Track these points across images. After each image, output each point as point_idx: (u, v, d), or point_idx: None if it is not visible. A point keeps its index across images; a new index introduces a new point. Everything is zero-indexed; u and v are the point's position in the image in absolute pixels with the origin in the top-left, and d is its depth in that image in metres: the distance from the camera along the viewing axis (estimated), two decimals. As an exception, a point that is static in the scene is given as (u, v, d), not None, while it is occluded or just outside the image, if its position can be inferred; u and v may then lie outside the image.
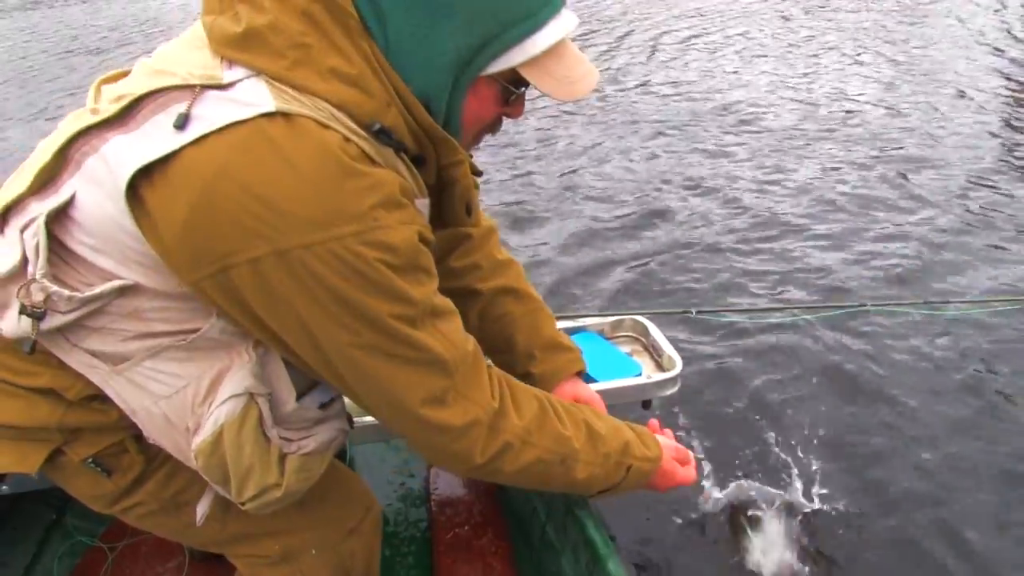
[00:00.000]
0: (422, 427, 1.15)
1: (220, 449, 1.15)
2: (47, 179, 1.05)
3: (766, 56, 8.87)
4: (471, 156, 1.30)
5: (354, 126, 1.01)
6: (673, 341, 2.03)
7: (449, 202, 1.25)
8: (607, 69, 8.59)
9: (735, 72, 8.27)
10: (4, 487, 1.72)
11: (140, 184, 0.98)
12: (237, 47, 1.01)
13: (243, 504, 1.22)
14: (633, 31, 10.62)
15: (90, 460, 1.22)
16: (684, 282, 4.21)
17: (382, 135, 1.03)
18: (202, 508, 1.30)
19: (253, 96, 0.98)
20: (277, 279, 0.98)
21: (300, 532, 1.44)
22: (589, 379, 1.86)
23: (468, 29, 1.03)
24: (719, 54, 9.09)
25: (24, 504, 2.01)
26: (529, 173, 5.76)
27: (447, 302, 1.17)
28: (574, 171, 5.80)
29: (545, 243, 4.67)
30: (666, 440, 1.52)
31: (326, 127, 0.98)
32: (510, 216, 5.02)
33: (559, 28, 1.09)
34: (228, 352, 1.14)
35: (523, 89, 1.15)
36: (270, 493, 1.22)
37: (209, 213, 0.95)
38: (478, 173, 1.35)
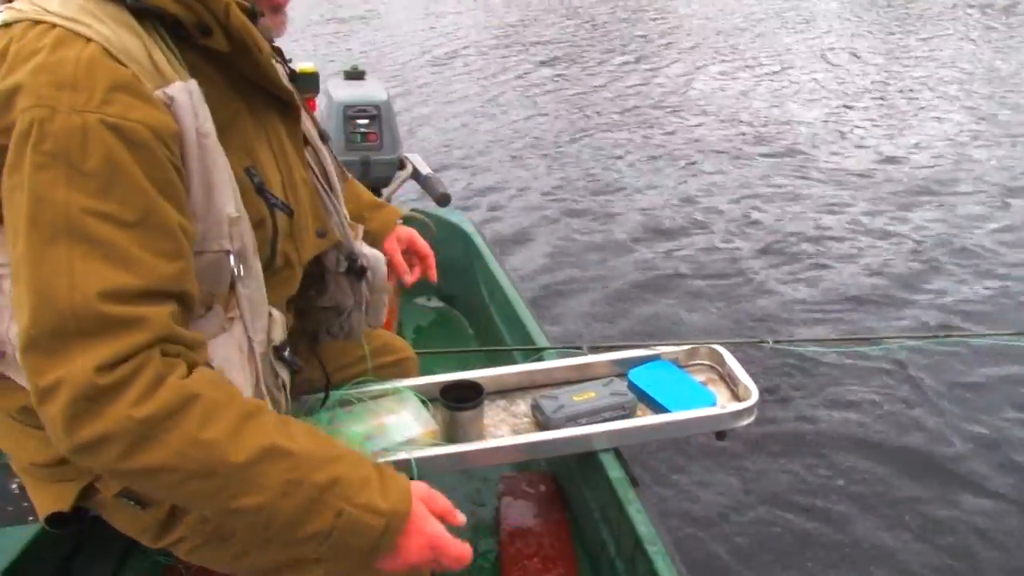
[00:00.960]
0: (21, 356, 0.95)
1: None
2: None
3: (830, 95, 8.74)
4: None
5: (102, 4, 0.99)
6: (749, 371, 1.99)
7: (249, 58, 1.13)
8: (673, 93, 8.56)
9: (806, 109, 8.15)
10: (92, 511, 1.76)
11: None
12: None
13: None
14: (701, 64, 10.56)
15: (122, 494, 1.20)
16: (759, 310, 4.14)
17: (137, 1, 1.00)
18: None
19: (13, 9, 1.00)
20: None
21: None
22: (662, 409, 1.83)
23: None
24: (787, 90, 9.01)
25: (103, 523, 2.05)
26: (588, 208, 5.74)
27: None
28: (636, 197, 5.77)
29: (614, 272, 4.63)
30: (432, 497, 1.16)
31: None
32: (581, 246, 5.00)
33: None
34: None
35: None
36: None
37: None
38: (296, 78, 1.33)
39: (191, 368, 1.00)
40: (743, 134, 7.32)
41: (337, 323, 1.54)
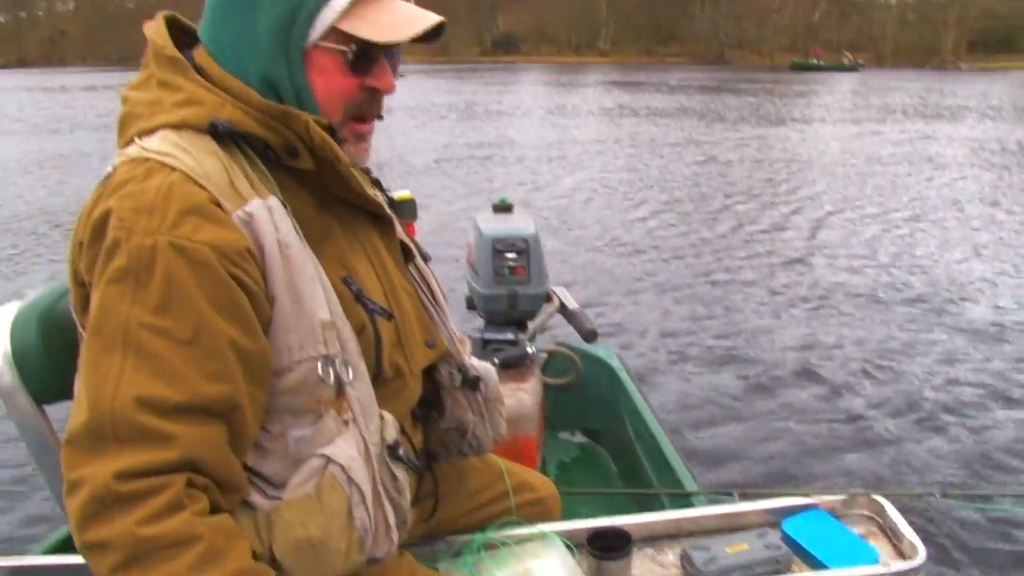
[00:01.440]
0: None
1: None
2: None
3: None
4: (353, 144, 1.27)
5: (192, 136, 1.11)
6: (913, 525, 1.85)
7: (332, 172, 1.20)
8: (802, 237, 8.37)
9: (939, 256, 7.87)
10: None
11: None
12: (119, 134, 1.17)
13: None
14: (831, 209, 10.37)
15: None
16: (916, 460, 3.89)
17: (220, 126, 1.10)
18: None
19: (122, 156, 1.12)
20: None
21: None
22: (819, 565, 1.72)
23: (274, 5, 1.13)
24: (920, 237, 8.70)
25: None
26: (730, 347, 5.63)
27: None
28: (781, 338, 5.62)
29: (759, 413, 4.48)
30: None
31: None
32: (724, 385, 4.88)
33: None
34: None
35: (355, 48, 1.17)
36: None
37: None
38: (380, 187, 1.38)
39: (213, 508, 1.02)
40: (877, 280, 7.13)
41: (465, 442, 1.54)
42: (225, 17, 1.17)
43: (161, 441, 0.97)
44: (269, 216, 1.10)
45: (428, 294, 1.44)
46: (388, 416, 1.24)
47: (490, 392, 1.54)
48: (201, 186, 1.06)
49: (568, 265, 7.45)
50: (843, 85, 41.45)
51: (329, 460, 1.12)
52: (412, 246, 1.45)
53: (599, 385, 3.16)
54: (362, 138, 1.27)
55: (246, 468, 1.11)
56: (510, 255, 2.68)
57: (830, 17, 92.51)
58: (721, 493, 2.26)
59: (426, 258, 1.49)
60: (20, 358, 1.29)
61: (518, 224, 2.78)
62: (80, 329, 1.13)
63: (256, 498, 1.12)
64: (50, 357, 1.29)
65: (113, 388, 0.97)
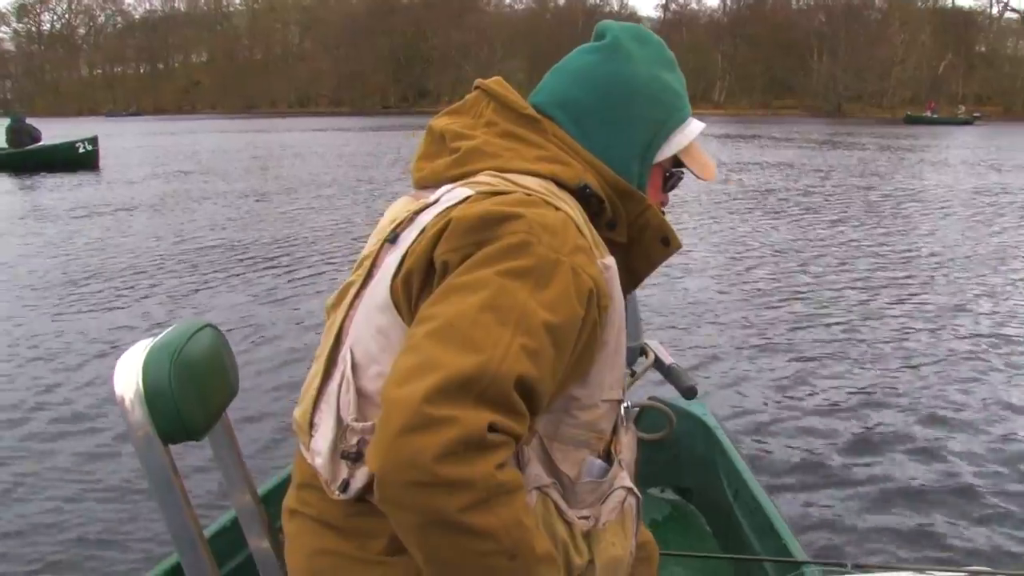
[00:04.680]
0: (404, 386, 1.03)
1: None
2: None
3: None
4: None
5: (558, 190, 1.25)
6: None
7: (641, 249, 1.36)
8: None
9: None
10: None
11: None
12: (456, 165, 1.31)
13: None
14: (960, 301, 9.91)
15: None
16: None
17: (587, 190, 1.27)
18: None
19: (484, 182, 1.24)
20: None
21: None
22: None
23: (648, 115, 1.36)
24: None
25: None
26: (833, 406, 5.41)
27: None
28: (893, 400, 5.38)
29: (867, 478, 4.28)
30: None
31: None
32: (827, 447, 4.68)
33: (697, 125, 1.42)
34: None
35: (676, 171, 1.44)
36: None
37: None
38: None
39: None
40: (1005, 340, 6.76)
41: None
42: (599, 105, 1.35)
43: (519, 416, 1.07)
44: (616, 271, 1.23)
45: None
46: None
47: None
48: (582, 233, 1.20)
49: (667, 319, 7.33)
50: (955, 139, 40.02)
51: (630, 492, 1.33)
52: None
53: (693, 442, 3.08)
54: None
55: (561, 485, 1.25)
56: None
57: (956, 70, 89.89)
58: (834, 564, 2.16)
59: None
60: (151, 396, 1.32)
61: None
62: (401, 310, 1.21)
63: (571, 515, 1.25)
64: (179, 397, 1.31)
65: (502, 355, 1.05)
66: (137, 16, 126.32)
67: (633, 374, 2.74)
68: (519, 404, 1.06)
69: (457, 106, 1.41)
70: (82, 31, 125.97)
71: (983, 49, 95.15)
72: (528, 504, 1.13)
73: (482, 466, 1.00)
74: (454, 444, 0.98)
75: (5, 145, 23.40)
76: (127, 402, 1.32)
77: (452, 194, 1.24)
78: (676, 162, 1.43)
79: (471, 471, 0.99)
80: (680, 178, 1.45)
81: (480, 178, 1.26)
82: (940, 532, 3.74)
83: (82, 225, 12.96)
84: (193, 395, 1.36)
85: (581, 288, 1.13)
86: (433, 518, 1.01)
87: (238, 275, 9.15)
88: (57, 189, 18.62)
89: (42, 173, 21.80)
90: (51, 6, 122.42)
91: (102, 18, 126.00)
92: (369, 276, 1.28)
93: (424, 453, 0.98)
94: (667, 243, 1.36)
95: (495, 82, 1.40)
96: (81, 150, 23.19)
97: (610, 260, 1.22)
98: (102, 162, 23.71)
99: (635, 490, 1.35)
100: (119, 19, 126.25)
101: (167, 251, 10.68)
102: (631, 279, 1.40)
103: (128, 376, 1.33)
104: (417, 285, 1.18)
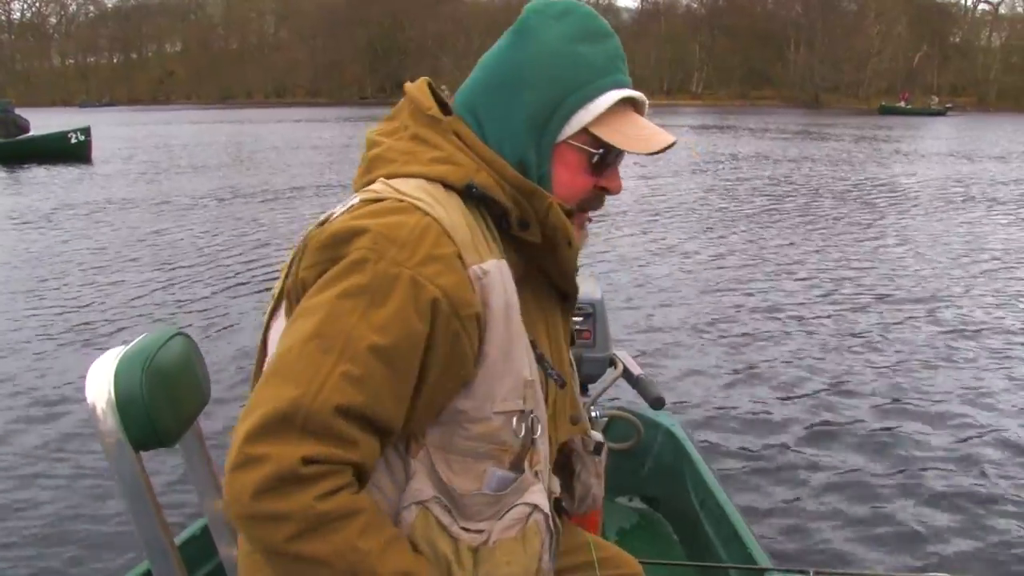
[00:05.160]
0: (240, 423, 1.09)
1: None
2: None
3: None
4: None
5: (443, 191, 1.22)
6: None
7: (555, 251, 1.30)
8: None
9: None
10: None
11: None
12: (364, 173, 1.30)
13: None
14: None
15: None
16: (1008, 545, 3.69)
17: (472, 190, 1.22)
18: None
19: (371, 190, 1.24)
20: None
21: None
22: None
23: (538, 97, 1.25)
24: None
25: None
26: (808, 418, 5.42)
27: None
28: (861, 405, 5.42)
29: (831, 485, 4.31)
30: None
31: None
32: (795, 457, 4.72)
33: (620, 95, 1.28)
34: None
35: (602, 152, 1.29)
36: None
37: None
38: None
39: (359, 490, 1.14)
40: (967, 340, 6.77)
41: (585, 503, 1.60)
42: (489, 96, 1.30)
43: (347, 443, 1.08)
44: (500, 276, 1.20)
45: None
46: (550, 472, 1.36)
47: (603, 454, 1.63)
48: (450, 237, 1.16)
49: (631, 329, 7.17)
50: (928, 130, 40.31)
51: (535, 508, 1.27)
52: None
53: (662, 452, 3.10)
54: (583, 226, 1.37)
55: (448, 499, 1.22)
56: (576, 319, 2.65)
57: (931, 61, 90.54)
58: (795, 571, 2.19)
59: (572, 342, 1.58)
60: (123, 404, 1.33)
61: (586, 289, 2.76)
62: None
63: (457, 529, 1.23)
64: (151, 405, 1.32)
65: (319, 387, 1.07)
66: (109, 5, 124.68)
67: (585, 389, 2.75)
68: (345, 432, 1.08)
69: (392, 111, 1.38)
70: (53, 20, 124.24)
71: (958, 40, 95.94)
72: (377, 524, 1.12)
73: (299, 499, 1.04)
74: (269, 480, 1.04)
75: None
76: (99, 410, 1.33)
77: (345, 203, 1.26)
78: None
79: (287, 505, 1.04)
80: (618, 154, 1.32)
81: (373, 186, 1.25)
82: (903, 537, 3.77)
83: (86, 223, 12.68)
84: (164, 402, 1.38)
85: (421, 302, 1.11)
86: (266, 547, 1.08)
87: (216, 279, 9.00)
88: (51, 182, 18.17)
89: (33, 164, 21.20)
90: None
91: (73, 7, 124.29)
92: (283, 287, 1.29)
93: (245, 490, 1.04)
94: (571, 244, 1.30)
95: (416, 84, 1.36)
96: (73, 140, 22.61)
97: (490, 265, 1.19)
98: (94, 153, 23.06)
99: (544, 508, 1.28)
100: (91, 8, 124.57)
101: (165, 251, 10.60)
102: (560, 283, 1.37)
103: (100, 383, 1.34)
104: (296, 300, 1.20)
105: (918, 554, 3.60)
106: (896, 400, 5.39)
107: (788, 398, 5.50)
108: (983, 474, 4.35)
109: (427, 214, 1.17)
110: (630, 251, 10.29)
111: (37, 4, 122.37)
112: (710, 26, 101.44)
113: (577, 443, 1.56)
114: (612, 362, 2.75)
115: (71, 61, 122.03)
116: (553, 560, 1.34)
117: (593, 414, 2.66)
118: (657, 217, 12.88)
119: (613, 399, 3.51)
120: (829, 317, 7.40)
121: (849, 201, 14.77)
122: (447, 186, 1.23)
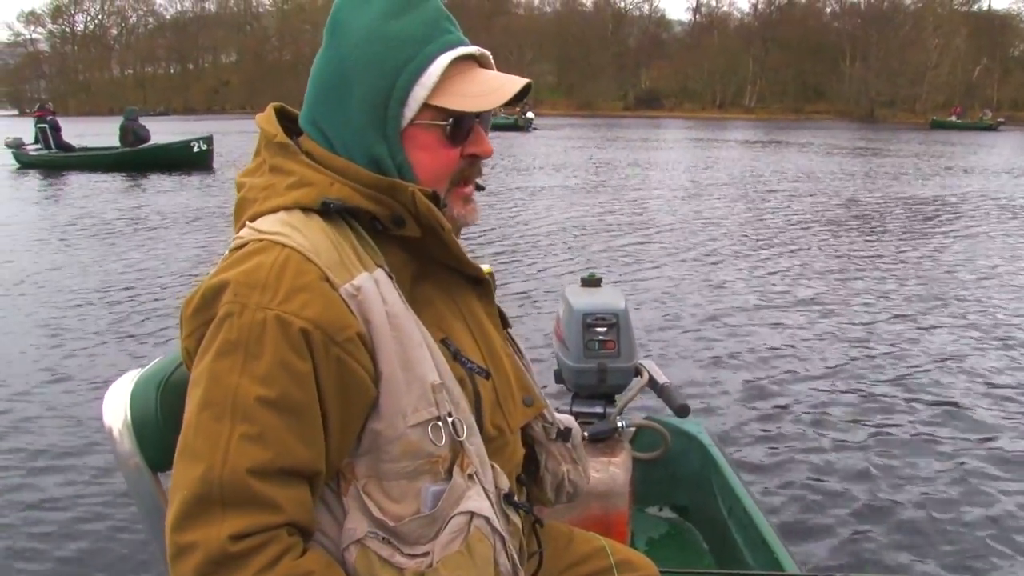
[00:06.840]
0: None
1: None
2: None
3: None
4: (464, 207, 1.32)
5: (302, 217, 1.17)
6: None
7: (436, 238, 1.24)
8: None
9: None
10: None
11: None
12: (235, 221, 1.26)
13: None
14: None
15: None
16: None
17: (332, 205, 1.17)
18: None
19: (237, 237, 1.21)
20: None
21: None
22: None
23: (366, 89, 1.20)
24: None
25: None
26: (833, 424, 5.34)
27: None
28: (890, 414, 5.33)
29: (860, 491, 4.19)
30: None
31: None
32: (825, 465, 4.60)
33: (449, 57, 1.21)
34: None
35: (452, 121, 1.23)
36: None
37: None
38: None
39: (304, 550, 1.10)
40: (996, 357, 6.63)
41: (563, 492, 1.58)
42: (324, 104, 1.25)
43: (269, 506, 1.06)
44: (376, 288, 1.16)
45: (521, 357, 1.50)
46: (496, 466, 1.29)
47: (575, 440, 1.58)
48: (312, 262, 1.13)
49: (656, 339, 6.91)
50: (981, 146, 39.42)
51: (473, 515, 1.19)
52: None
53: (689, 460, 3.10)
54: (468, 200, 1.33)
55: (384, 531, 1.17)
56: (600, 329, 2.66)
57: (990, 74, 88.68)
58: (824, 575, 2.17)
59: (506, 324, 1.52)
60: (139, 426, 1.34)
61: (608, 299, 2.77)
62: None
63: (400, 559, 1.17)
64: (166, 425, 1.32)
65: (223, 456, 1.05)
66: (168, 16, 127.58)
67: (612, 399, 2.76)
68: (266, 494, 1.05)
69: (256, 146, 1.31)
70: (114, 31, 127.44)
71: (1018, 53, 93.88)
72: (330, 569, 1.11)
73: None
74: (204, 567, 1.02)
75: (118, 144, 22.90)
76: (115, 432, 1.35)
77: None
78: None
79: None
80: (475, 115, 1.25)
81: (241, 232, 1.22)
82: (933, 542, 3.71)
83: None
84: (179, 422, 1.39)
85: (293, 339, 1.08)
86: None
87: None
88: (180, 189, 18.32)
89: (156, 173, 21.29)
90: (85, 7, 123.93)
91: (134, 19, 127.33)
92: None
93: None
94: (443, 228, 1.24)
95: (263, 114, 1.31)
96: (196, 149, 22.51)
97: (361, 280, 1.15)
98: (215, 162, 23.18)
99: (482, 512, 1.21)
100: (151, 19, 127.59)
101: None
102: (459, 268, 1.32)
103: (116, 407, 1.36)
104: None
105: (949, 563, 3.52)
106: (938, 420, 5.24)
107: (819, 410, 5.39)
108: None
109: (285, 246, 1.13)
110: (674, 268, 10.24)
111: (100, 16, 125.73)
112: (763, 39, 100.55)
113: (537, 431, 1.51)
114: (638, 371, 2.76)
115: (130, 71, 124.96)
116: (518, 562, 1.29)
117: (620, 424, 2.68)
118: (699, 233, 12.78)
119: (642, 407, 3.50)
120: (869, 334, 7.23)
121: (894, 217, 14.52)
122: (305, 210, 1.18)
